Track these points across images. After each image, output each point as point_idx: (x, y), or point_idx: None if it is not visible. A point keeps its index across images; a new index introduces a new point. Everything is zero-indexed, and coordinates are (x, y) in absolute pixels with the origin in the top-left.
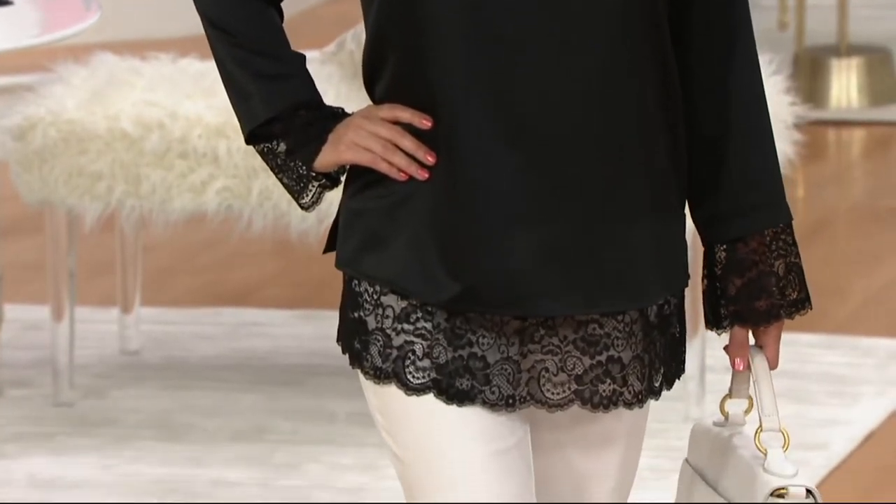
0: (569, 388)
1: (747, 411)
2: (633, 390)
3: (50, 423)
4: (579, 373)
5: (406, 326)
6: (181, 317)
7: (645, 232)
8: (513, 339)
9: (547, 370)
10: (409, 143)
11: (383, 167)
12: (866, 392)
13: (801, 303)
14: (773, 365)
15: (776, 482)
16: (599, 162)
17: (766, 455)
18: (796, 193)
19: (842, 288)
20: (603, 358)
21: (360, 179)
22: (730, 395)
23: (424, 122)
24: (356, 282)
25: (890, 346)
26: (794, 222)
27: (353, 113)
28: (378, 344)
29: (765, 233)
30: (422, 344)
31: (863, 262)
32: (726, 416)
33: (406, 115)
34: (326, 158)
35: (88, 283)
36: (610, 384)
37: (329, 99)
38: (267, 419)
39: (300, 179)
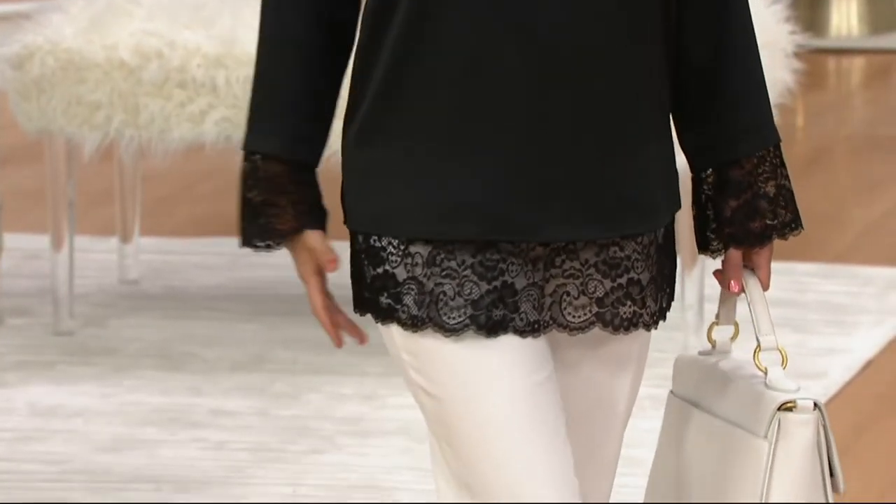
0: (590, 311)
1: (733, 338)
2: (650, 311)
3: (50, 352)
4: (600, 295)
5: (435, 270)
6: (181, 246)
7: (655, 156)
8: (538, 265)
9: (568, 294)
10: (335, 322)
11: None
12: (865, 321)
13: (794, 223)
14: (765, 286)
15: (783, 397)
16: (620, 87)
17: (766, 373)
18: (796, 122)
19: (841, 217)
20: (623, 280)
21: (359, 135)
22: (717, 321)
23: (330, 266)
24: (374, 238)
25: (888, 274)
26: (793, 151)
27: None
28: (412, 293)
29: (757, 155)
30: (451, 284)
31: (862, 191)
32: (713, 343)
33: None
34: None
35: (88, 212)
36: (630, 306)
37: None
38: (266, 349)
39: (259, 227)
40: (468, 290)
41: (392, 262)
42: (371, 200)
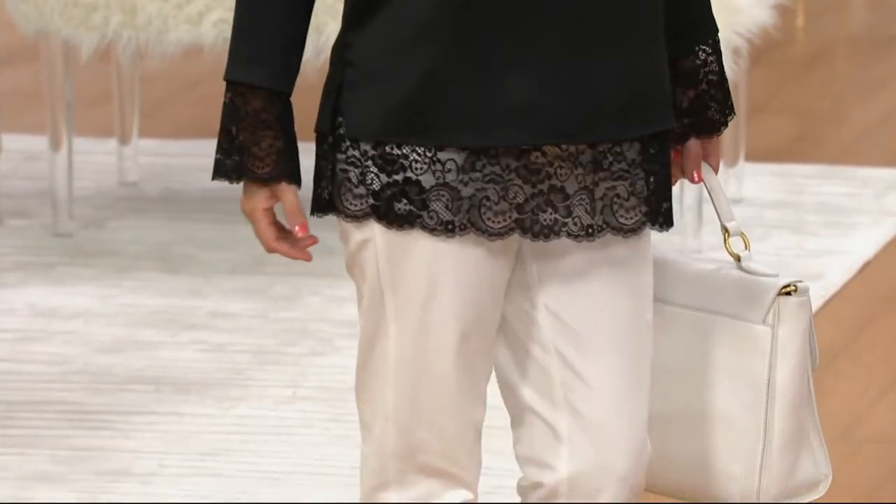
0: (640, 211)
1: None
2: (665, 209)
3: (50, 253)
4: (647, 195)
5: (475, 175)
6: (179, 148)
7: (665, 51)
8: (587, 167)
9: (618, 196)
10: (294, 245)
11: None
12: (863, 222)
13: (730, 109)
14: (716, 171)
15: (778, 281)
16: None
17: (738, 259)
18: (795, 22)
19: (840, 117)
20: (662, 176)
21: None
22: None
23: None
24: (391, 146)
25: (887, 175)
26: (793, 51)
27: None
28: (444, 199)
29: (707, 43)
30: (495, 188)
31: (861, 91)
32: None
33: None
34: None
35: (86, 113)
36: (668, 202)
37: None
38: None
39: (236, 165)
40: (513, 194)
41: (417, 168)
42: (391, 109)
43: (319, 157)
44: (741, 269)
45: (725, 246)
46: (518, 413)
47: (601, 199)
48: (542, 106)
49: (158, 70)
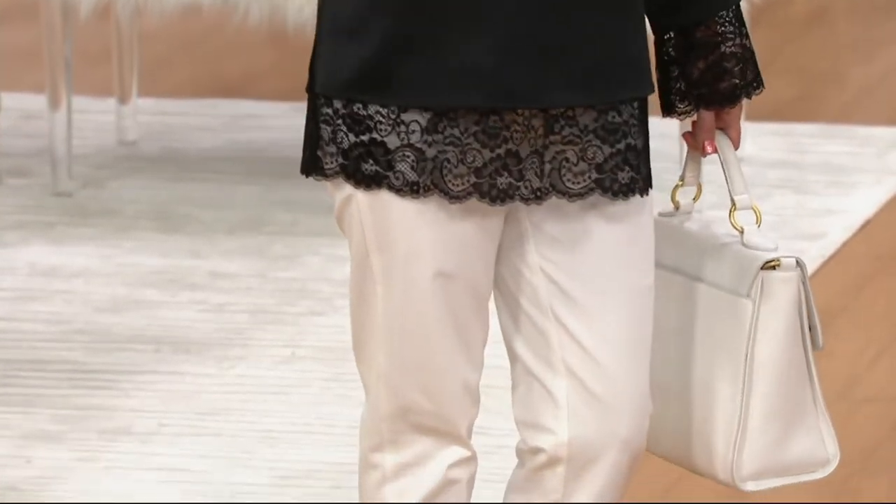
0: (589, 177)
1: (695, 198)
2: (643, 176)
3: (49, 213)
4: (599, 161)
5: (437, 137)
6: (179, 107)
7: (641, 19)
8: (538, 131)
9: (567, 160)
10: None
11: None
12: (864, 181)
13: (756, 81)
14: (736, 145)
15: (765, 256)
16: None
17: (742, 232)
18: None
19: (840, 76)
20: (622, 146)
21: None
22: (682, 182)
23: None
24: (358, 105)
25: (888, 134)
26: (793, 10)
27: None
28: (409, 160)
29: (721, 14)
30: (454, 151)
31: (862, 50)
32: (677, 205)
33: None
34: None
35: (85, 72)
36: (628, 171)
37: None
38: (265, 211)
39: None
40: (471, 158)
41: (381, 129)
42: (357, 67)
43: (307, 117)
44: (742, 242)
45: (730, 218)
46: (517, 375)
47: (549, 162)
48: (497, 70)
49: (158, 28)
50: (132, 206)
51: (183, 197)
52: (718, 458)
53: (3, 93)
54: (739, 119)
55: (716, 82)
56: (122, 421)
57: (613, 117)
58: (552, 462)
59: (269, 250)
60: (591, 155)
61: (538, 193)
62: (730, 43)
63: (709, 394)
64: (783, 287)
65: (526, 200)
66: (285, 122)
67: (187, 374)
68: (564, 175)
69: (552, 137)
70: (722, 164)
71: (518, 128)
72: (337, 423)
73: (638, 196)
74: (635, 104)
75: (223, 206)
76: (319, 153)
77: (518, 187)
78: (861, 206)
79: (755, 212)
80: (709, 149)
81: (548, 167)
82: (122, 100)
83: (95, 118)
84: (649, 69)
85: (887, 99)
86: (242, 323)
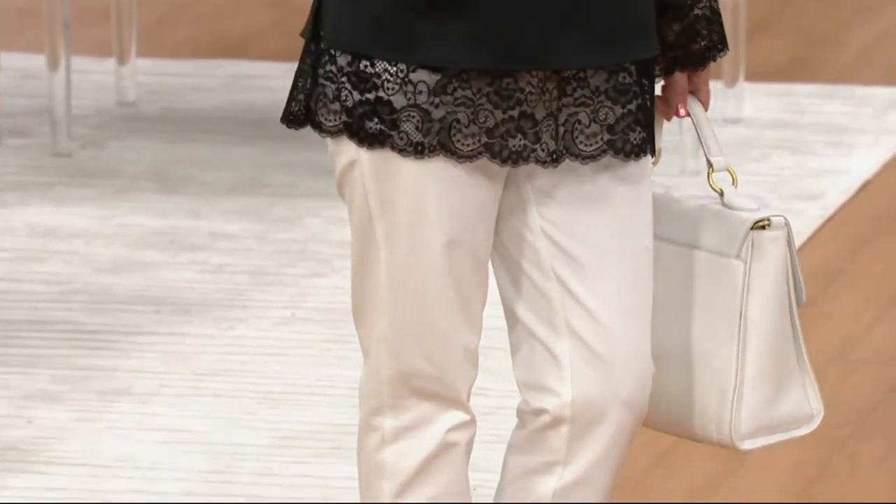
0: (601, 139)
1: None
2: (651, 137)
3: (49, 173)
4: (611, 122)
5: (446, 98)
6: (178, 68)
7: None
8: (552, 93)
9: (580, 122)
10: None
11: None
12: (863, 141)
13: (723, 44)
14: (706, 107)
15: (755, 216)
16: None
17: (722, 194)
18: None
19: (839, 37)
20: (633, 106)
21: None
22: None
23: None
24: (366, 63)
25: (887, 94)
26: None
27: None
28: (414, 119)
29: None
30: (465, 112)
31: (860, 11)
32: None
33: None
34: None
35: (84, 32)
36: (640, 132)
37: None
38: (265, 172)
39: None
40: (483, 118)
41: (389, 88)
42: (367, 22)
43: (299, 67)
44: (723, 204)
45: (709, 181)
46: (518, 338)
47: (563, 124)
48: (510, 32)
49: None
50: (131, 167)
51: (182, 158)
52: (716, 420)
53: (2, 52)
54: (708, 81)
55: (689, 44)
56: (123, 382)
57: (624, 78)
58: (556, 422)
59: (269, 211)
60: (603, 116)
61: (554, 156)
62: (701, 4)
63: (705, 358)
64: (773, 246)
65: (542, 163)
66: (285, 82)
67: (187, 334)
68: (577, 137)
69: (565, 100)
70: (695, 126)
71: (532, 90)
72: (337, 385)
73: (646, 157)
74: (645, 65)
75: (223, 166)
76: (320, 109)
77: (534, 150)
78: (859, 166)
79: (730, 173)
80: (682, 111)
81: (562, 129)
82: (122, 60)
83: (94, 78)
84: (653, 31)
85: (886, 59)
86: (242, 284)
